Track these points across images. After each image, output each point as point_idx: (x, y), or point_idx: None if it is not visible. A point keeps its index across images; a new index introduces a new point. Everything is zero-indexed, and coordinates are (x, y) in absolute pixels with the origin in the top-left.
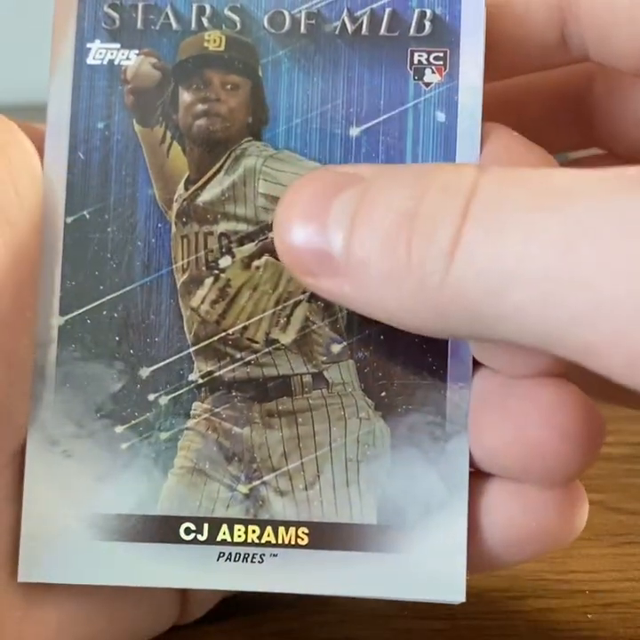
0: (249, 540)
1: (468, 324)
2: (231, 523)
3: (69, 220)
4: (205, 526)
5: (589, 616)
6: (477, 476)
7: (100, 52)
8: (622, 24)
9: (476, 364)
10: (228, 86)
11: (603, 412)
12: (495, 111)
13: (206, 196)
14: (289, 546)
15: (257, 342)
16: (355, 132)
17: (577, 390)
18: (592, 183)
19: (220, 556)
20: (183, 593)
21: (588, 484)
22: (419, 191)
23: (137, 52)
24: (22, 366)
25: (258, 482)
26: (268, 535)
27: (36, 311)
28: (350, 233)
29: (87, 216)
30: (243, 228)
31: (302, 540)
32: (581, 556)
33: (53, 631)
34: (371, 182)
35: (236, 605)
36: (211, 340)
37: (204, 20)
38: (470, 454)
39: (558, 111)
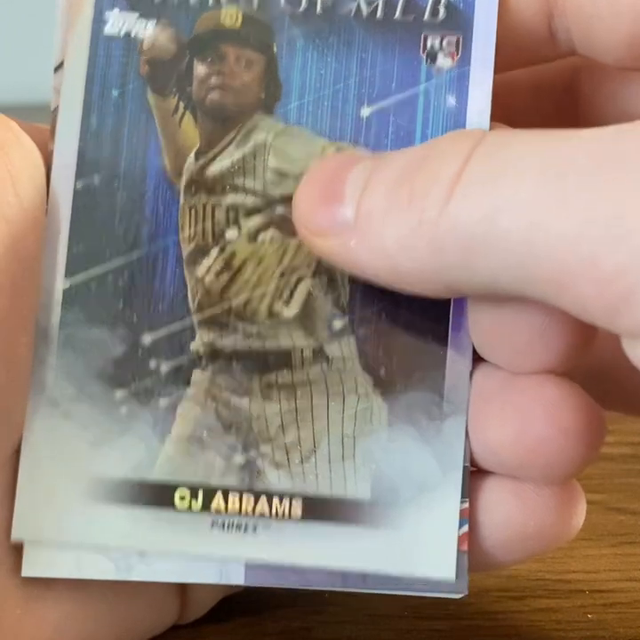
0: (243, 510)
1: (459, 261)
2: (226, 491)
3: (79, 185)
4: (200, 494)
5: (589, 616)
6: (476, 474)
7: (118, 20)
8: (605, 16)
9: (478, 360)
10: (243, 61)
11: (603, 412)
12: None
13: (216, 167)
14: (282, 517)
15: (259, 315)
16: (365, 112)
17: (579, 388)
18: (587, 131)
19: (213, 524)
20: (183, 592)
21: (588, 484)
22: (430, 145)
23: (154, 22)
24: (20, 366)
25: (254, 452)
26: (262, 506)
27: (38, 296)
28: (362, 192)
29: (97, 182)
30: (251, 200)
31: (296, 511)
32: (581, 556)
33: (52, 629)
34: (385, 155)
35: (235, 605)
36: (214, 311)
37: None
38: (470, 451)
39: (544, 106)
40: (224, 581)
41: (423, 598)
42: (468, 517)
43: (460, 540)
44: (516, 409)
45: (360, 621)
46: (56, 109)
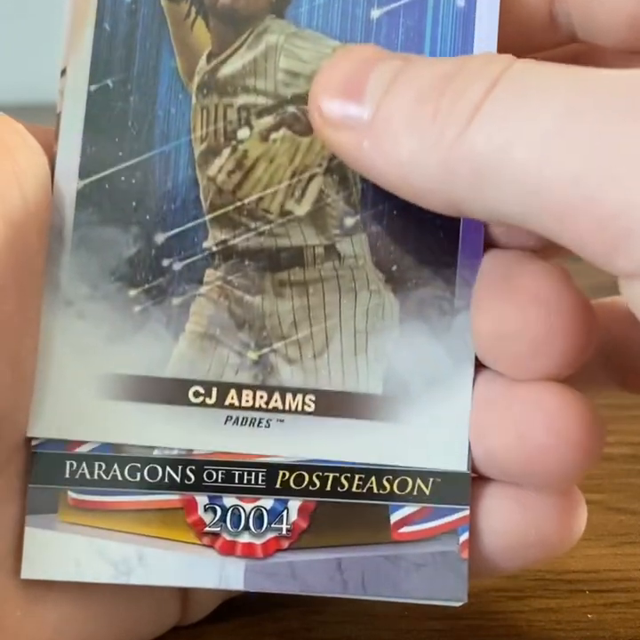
0: (256, 406)
1: (469, 184)
2: (239, 388)
3: (93, 88)
4: (214, 390)
5: (589, 616)
6: (477, 481)
7: None
8: None
9: (480, 367)
10: None
11: (603, 412)
12: None
13: (227, 69)
14: (295, 412)
15: (271, 213)
16: (375, 13)
17: (579, 395)
18: (615, 72)
19: (227, 420)
20: (184, 594)
21: (588, 484)
22: (461, 63)
23: None
24: (25, 367)
25: (267, 349)
26: (276, 401)
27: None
28: (385, 92)
29: (110, 85)
30: (262, 101)
31: (309, 406)
32: (581, 556)
33: (52, 631)
34: (415, 57)
35: (236, 606)
36: (226, 210)
37: None
38: (471, 457)
39: None
40: (223, 586)
41: None
42: (469, 524)
43: (461, 547)
44: (516, 416)
45: (360, 621)
46: (60, 114)
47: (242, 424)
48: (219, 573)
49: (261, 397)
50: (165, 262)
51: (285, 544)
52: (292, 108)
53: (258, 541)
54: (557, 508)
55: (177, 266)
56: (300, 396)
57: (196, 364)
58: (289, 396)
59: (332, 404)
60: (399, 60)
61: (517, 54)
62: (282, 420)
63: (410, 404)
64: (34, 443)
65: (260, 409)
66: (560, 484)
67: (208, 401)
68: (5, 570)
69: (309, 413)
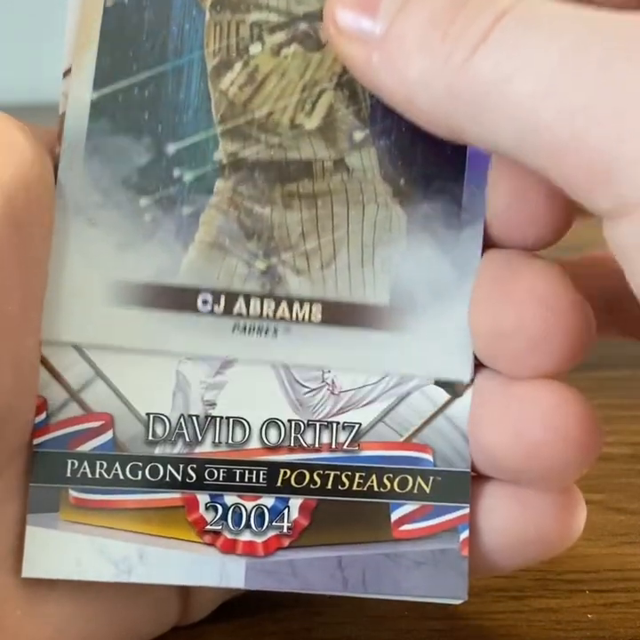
0: (264, 314)
1: (470, 111)
2: (247, 296)
3: (109, 3)
4: (222, 298)
5: (590, 616)
6: (476, 479)
7: None
8: None
9: (478, 366)
10: None
11: (603, 412)
12: None
13: None
14: (302, 321)
15: (281, 126)
16: None
17: (577, 393)
18: (624, 15)
19: (234, 328)
20: (185, 594)
21: (588, 484)
22: None
23: None
24: (27, 366)
25: (275, 259)
26: (283, 310)
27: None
28: (399, 10)
29: (125, 1)
30: (274, 18)
31: (315, 316)
32: (581, 556)
33: (53, 630)
34: None
35: (236, 606)
36: (237, 123)
37: None
38: (470, 456)
39: None
40: (224, 585)
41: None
42: (469, 522)
43: (461, 545)
44: (514, 414)
45: (360, 622)
46: (63, 114)
47: (249, 332)
48: (219, 572)
49: (269, 307)
50: (176, 173)
51: (286, 542)
52: (303, 25)
53: (259, 540)
54: (556, 506)
55: (188, 176)
56: (306, 306)
57: (204, 272)
58: (296, 306)
59: (339, 314)
60: None
61: None
62: (289, 329)
63: (416, 314)
64: (35, 442)
65: (267, 317)
66: (558, 481)
67: (216, 309)
68: (6, 569)
69: (316, 323)
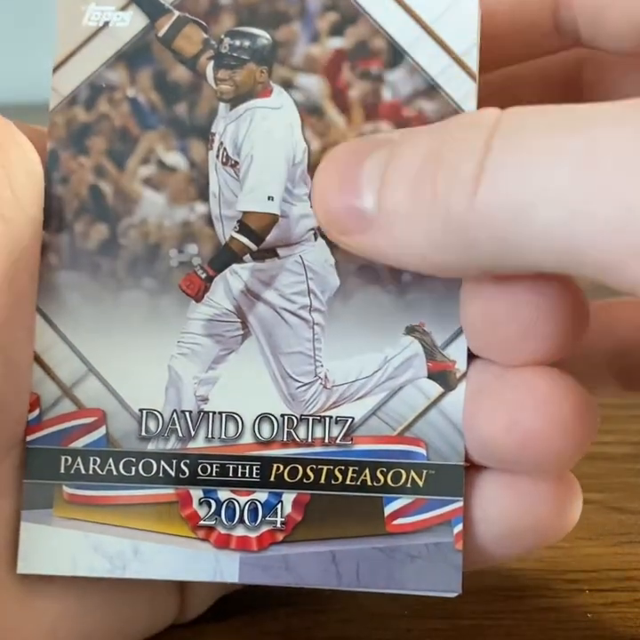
0: None
1: (495, 251)
2: None
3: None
4: None
5: (590, 615)
6: (471, 469)
7: None
8: (614, 4)
9: (472, 358)
10: None
11: (603, 412)
12: (487, 99)
13: None
14: None
15: None
16: None
17: (571, 380)
18: (610, 108)
19: None
20: (182, 589)
21: (588, 484)
22: (443, 135)
23: None
24: (19, 360)
25: None
26: None
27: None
28: (381, 186)
29: None
30: None
31: None
32: (581, 556)
33: (50, 625)
34: (398, 140)
35: (236, 604)
36: None
37: None
38: (465, 446)
39: (549, 98)
40: (218, 579)
41: (423, 598)
42: (463, 516)
43: (455, 538)
44: (507, 402)
45: (360, 621)
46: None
47: None
48: (213, 566)
49: None
50: None
51: (280, 537)
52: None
53: (252, 534)
54: (551, 494)
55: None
56: None
57: None
58: None
59: None
60: (385, 147)
61: (520, 61)
62: None
63: None
64: (29, 439)
65: None
66: (553, 468)
67: None
68: (2, 564)
69: None
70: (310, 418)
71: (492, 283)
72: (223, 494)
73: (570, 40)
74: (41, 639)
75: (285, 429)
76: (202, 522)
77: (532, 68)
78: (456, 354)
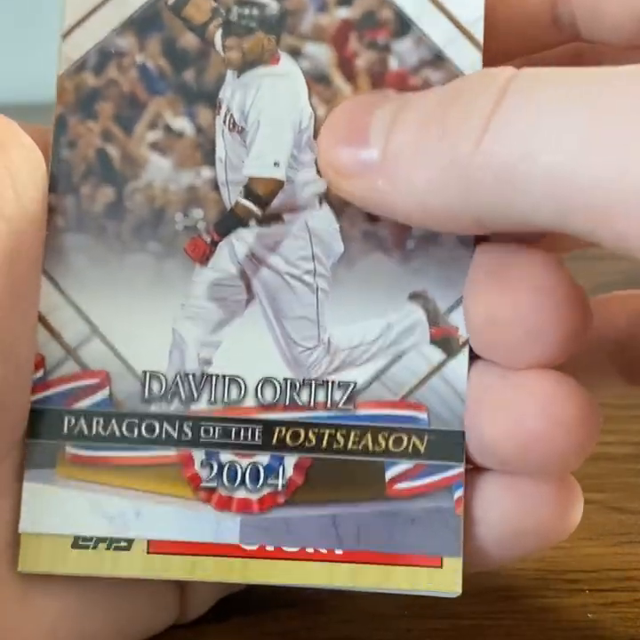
0: None
1: (494, 196)
2: None
3: None
4: None
5: (590, 615)
6: (473, 471)
7: None
8: None
9: (474, 359)
10: None
11: (604, 412)
12: None
13: None
14: None
15: None
16: None
17: (574, 382)
18: (623, 68)
19: None
20: (183, 589)
21: (588, 484)
22: (458, 83)
23: None
24: (20, 361)
25: None
26: None
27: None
28: (389, 130)
29: None
30: None
31: None
32: (582, 556)
33: (50, 625)
34: (410, 95)
35: (236, 605)
36: None
37: None
38: (467, 448)
39: None
40: (219, 540)
41: (423, 598)
42: (463, 481)
43: (455, 504)
44: (510, 404)
45: (360, 621)
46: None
47: None
48: (214, 528)
49: None
50: None
51: (281, 500)
52: None
53: (254, 497)
54: (553, 497)
55: None
56: None
57: None
58: None
59: None
60: (396, 100)
61: (519, 56)
62: None
63: None
64: (33, 399)
65: None
66: (556, 470)
67: None
68: (3, 562)
69: None
70: (313, 382)
71: (497, 286)
72: (225, 457)
73: (569, 35)
74: (41, 639)
75: (288, 393)
76: (203, 484)
77: (531, 63)
78: (459, 320)
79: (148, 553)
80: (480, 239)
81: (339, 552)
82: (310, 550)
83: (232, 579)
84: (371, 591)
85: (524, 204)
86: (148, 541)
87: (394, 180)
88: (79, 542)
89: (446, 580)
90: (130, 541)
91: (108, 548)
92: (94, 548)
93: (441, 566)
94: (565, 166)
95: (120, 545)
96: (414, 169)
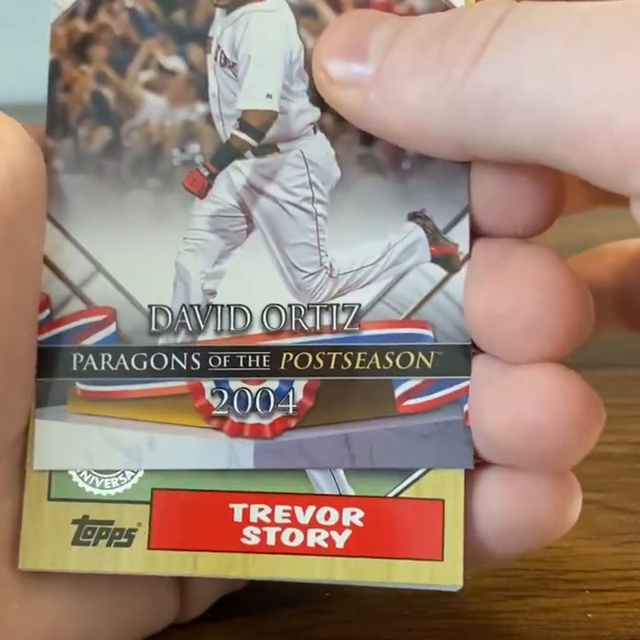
0: None
1: (481, 120)
2: None
3: None
4: None
5: (590, 615)
6: (473, 467)
7: None
8: None
9: (475, 353)
10: None
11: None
12: None
13: None
14: None
15: None
16: None
17: (575, 376)
18: (606, 5)
19: None
20: (183, 588)
21: (588, 483)
22: (458, 12)
23: None
24: (21, 360)
25: None
26: None
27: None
28: (388, 47)
29: None
30: None
31: None
32: (582, 555)
33: (51, 624)
34: (411, 19)
35: (236, 604)
36: None
37: None
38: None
39: None
40: (234, 466)
41: (423, 597)
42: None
43: (464, 417)
44: (512, 396)
45: (361, 620)
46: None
47: None
48: (228, 454)
49: None
50: None
51: (293, 423)
52: None
53: (265, 421)
54: (552, 492)
55: None
56: None
57: None
58: None
59: None
60: (397, 21)
61: None
62: None
63: None
64: (40, 338)
65: None
66: (556, 464)
67: None
68: (3, 561)
69: None
70: (317, 306)
71: (498, 280)
72: (235, 384)
73: None
74: (41, 639)
75: (293, 319)
76: (215, 412)
77: None
78: (458, 237)
79: (148, 549)
80: (478, 235)
81: (341, 546)
82: (311, 545)
83: (233, 574)
84: (372, 586)
85: (506, 132)
86: (149, 536)
87: (385, 94)
88: (79, 539)
89: (447, 574)
90: (131, 537)
91: (108, 545)
92: (95, 544)
93: (442, 559)
94: (546, 94)
95: (121, 541)
96: (407, 86)
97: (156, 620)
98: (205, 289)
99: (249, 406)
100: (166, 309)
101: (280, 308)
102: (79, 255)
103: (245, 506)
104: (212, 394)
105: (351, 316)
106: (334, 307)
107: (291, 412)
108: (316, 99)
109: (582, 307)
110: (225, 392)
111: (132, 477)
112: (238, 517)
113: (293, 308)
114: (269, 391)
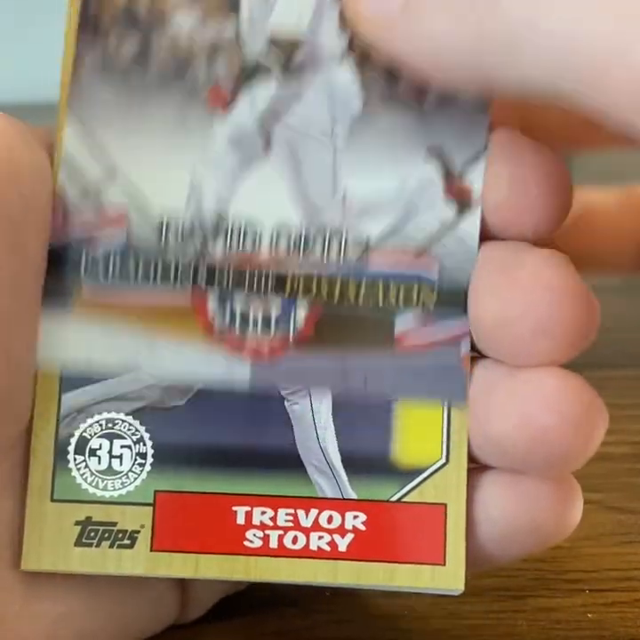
0: None
1: (501, 53)
2: None
3: None
4: None
5: (590, 615)
6: (474, 469)
7: None
8: None
9: (478, 357)
10: None
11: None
12: (500, 114)
13: None
14: None
15: None
16: None
17: (581, 379)
18: None
19: None
20: (183, 589)
21: (588, 483)
22: None
23: None
24: (22, 360)
25: None
26: None
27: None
28: None
29: None
30: None
31: None
32: (582, 556)
33: (51, 624)
34: None
35: (236, 604)
36: None
37: None
38: (470, 445)
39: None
40: (229, 382)
41: (423, 597)
42: (469, 337)
43: (462, 359)
44: (518, 399)
45: (360, 621)
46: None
47: None
48: (226, 370)
49: None
50: None
51: (291, 348)
52: None
53: (265, 342)
54: (553, 496)
55: None
56: None
57: None
58: None
59: None
60: None
61: None
62: None
63: None
64: (51, 242)
65: None
66: (560, 467)
67: None
68: (4, 562)
69: None
70: (327, 234)
71: (505, 283)
72: (238, 304)
73: None
74: (41, 639)
75: (302, 244)
76: (216, 328)
77: None
78: (473, 179)
79: (151, 551)
80: (485, 238)
81: (343, 549)
82: (314, 548)
83: (235, 576)
84: (374, 589)
85: (525, 66)
86: (152, 538)
87: (412, 22)
88: (82, 540)
89: (449, 578)
90: (133, 539)
91: (111, 547)
92: (97, 546)
93: (444, 564)
94: (565, 27)
95: (123, 543)
96: (434, 16)
97: (157, 621)
98: (218, 206)
99: (250, 326)
100: (178, 222)
101: (290, 232)
102: (98, 157)
103: (248, 509)
104: (215, 311)
105: (360, 248)
106: (343, 236)
107: (290, 337)
108: (345, 29)
109: (589, 311)
110: (227, 310)
111: (136, 479)
112: (241, 520)
113: (303, 233)
114: (271, 314)
